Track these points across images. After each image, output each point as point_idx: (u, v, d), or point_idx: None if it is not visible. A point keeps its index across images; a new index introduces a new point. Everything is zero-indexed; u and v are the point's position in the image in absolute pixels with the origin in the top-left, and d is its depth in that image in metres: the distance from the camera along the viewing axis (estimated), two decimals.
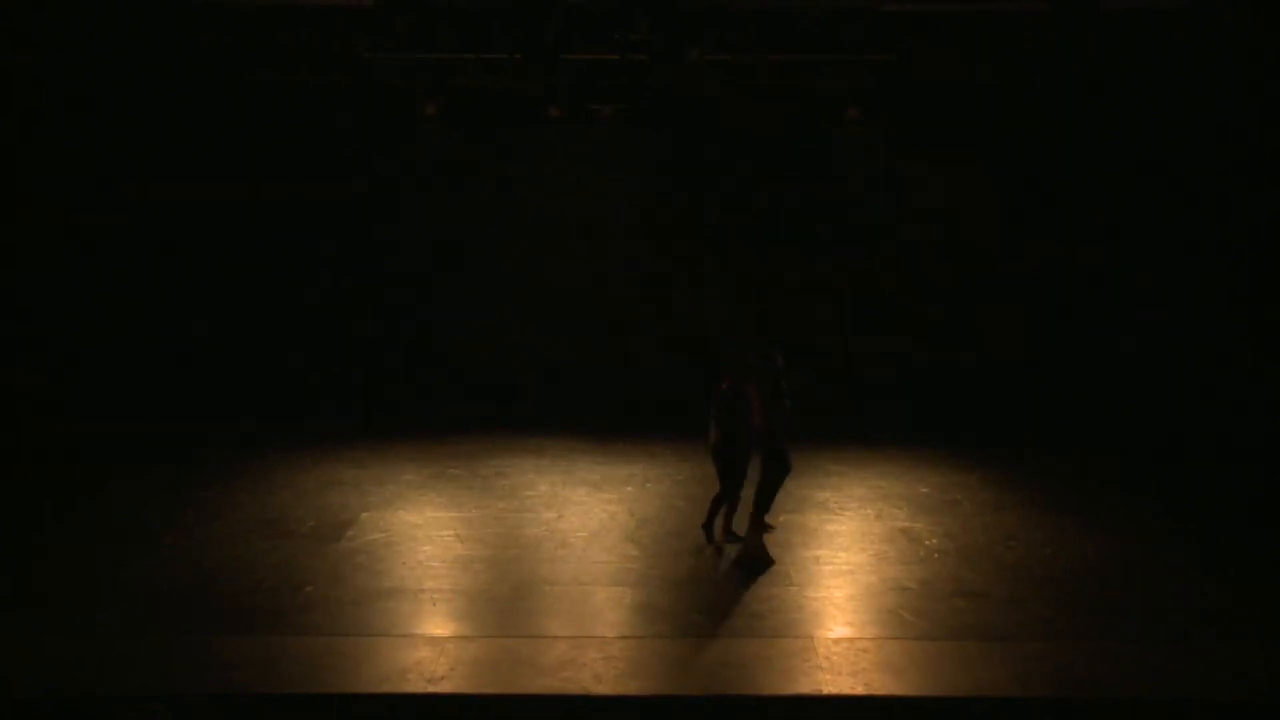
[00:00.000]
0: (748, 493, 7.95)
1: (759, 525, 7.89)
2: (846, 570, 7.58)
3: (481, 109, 12.32)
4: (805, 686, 5.91)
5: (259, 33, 11.03)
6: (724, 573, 7.61)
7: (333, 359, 12.56)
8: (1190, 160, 11.79)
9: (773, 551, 7.82)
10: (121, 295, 12.10)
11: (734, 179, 12.76)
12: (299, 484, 9.70)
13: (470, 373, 12.71)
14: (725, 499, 8.05)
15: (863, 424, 11.49)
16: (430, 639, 6.49)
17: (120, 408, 11.31)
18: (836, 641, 6.46)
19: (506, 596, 7.12)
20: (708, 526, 8.17)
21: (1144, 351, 12.08)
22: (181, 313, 12.32)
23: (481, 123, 12.52)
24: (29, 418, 11.03)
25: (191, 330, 12.31)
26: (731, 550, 7.94)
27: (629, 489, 9.62)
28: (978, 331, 12.55)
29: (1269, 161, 11.37)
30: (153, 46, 11.17)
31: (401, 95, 11.89)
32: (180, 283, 12.37)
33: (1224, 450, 10.72)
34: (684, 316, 12.80)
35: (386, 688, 5.89)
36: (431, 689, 5.85)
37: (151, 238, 12.24)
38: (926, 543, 8.20)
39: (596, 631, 6.55)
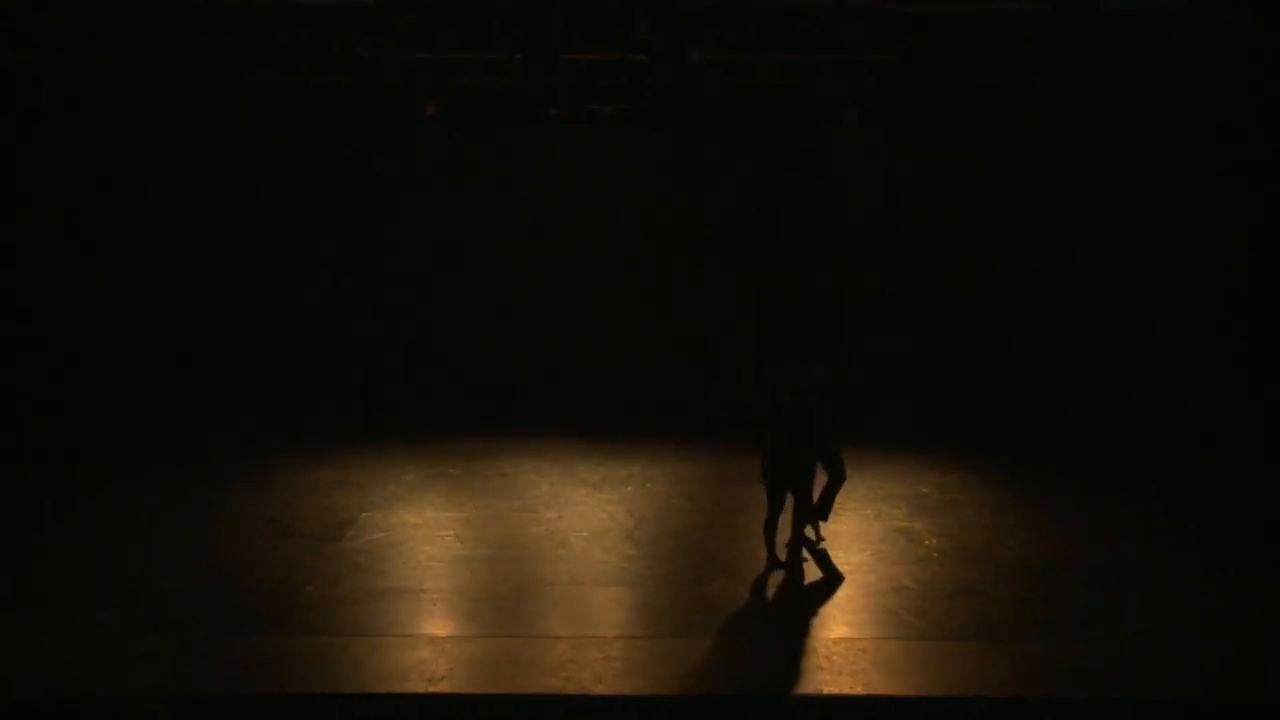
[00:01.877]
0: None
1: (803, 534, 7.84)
2: (846, 570, 7.57)
3: (481, 109, 12.30)
4: (805, 686, 5.91)
5: (259, 33, 11.02)
6: (723, 573, 7.62)
7: (333, 359, 12.56)
8: (1190, 160, 11.77)
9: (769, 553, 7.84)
10: (121, 295, 12.07)
11: (734, 179, 12.72)
12: (299, 484, 9.70)
13: (470, 373, 12.68)
14: (805, 514, 7.58)
15: (862, 424, 11.47)
16: (430, 639, 6.49)
17: (120, 408, 11.30)
18: (836, 641, 6.46)
19: (506, 596, 7.13)
20: (771, 555, 7.72)
21: (1144, 352, 12.06)
22: (181, 313, 12.31)
23: (481, 123, 12.50)
24: (29, 418, 11.01)
25: (191, 330, 12.31)
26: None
27: (629, 489, 9.62)
28: (977, 331, 12.53)
29: (1269, 161, 11.36)
30: (153, 46, 11.16)
31: (401, 95, 11.88)
32: (180, 283, 12.35)
33: (1223, 450, 10.72)
34: (684, 316, 12.79)
35: (387, 688, 5.90)
36: (431, 689, 5.86)
37: (151, 238, 12.21)
38: (926, 543, 8.20)
39: (596, 631, 6.56)
